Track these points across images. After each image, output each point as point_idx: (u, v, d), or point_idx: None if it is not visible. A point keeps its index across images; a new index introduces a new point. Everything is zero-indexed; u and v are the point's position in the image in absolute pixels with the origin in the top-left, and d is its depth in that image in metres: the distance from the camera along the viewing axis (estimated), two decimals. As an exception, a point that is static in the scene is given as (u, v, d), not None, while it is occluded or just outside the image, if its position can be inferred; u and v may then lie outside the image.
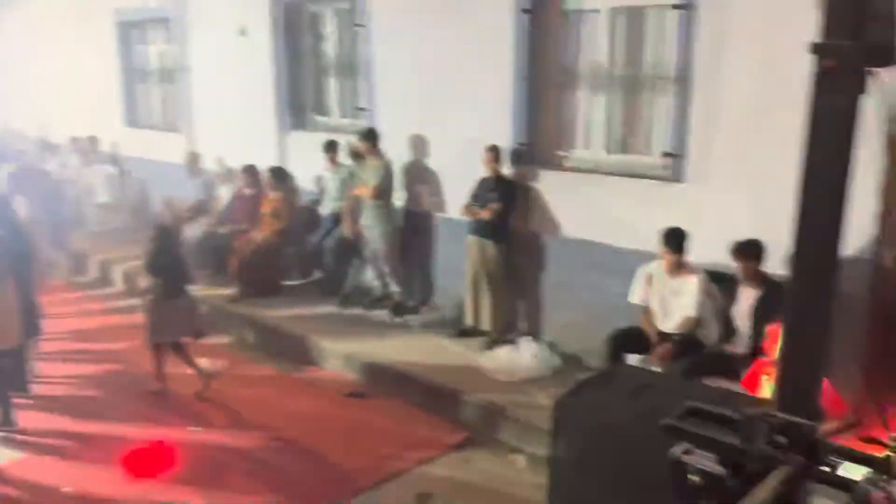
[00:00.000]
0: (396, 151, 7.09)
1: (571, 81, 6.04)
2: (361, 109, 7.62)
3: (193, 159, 9.31)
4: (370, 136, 6.98)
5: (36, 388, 5.86)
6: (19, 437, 5.27)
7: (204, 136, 9.60)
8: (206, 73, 9.37)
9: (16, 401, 5.46)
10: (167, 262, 5.94)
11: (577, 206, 5.98)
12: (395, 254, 7.15)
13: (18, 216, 6.04)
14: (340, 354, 6.41)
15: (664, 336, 5.01)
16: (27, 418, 5.45)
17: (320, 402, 5.88)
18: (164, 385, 6.02)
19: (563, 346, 6.12)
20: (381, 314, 7.16)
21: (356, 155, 7.28)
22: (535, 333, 6.27)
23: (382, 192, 6.96)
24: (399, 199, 7.24)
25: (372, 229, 7.06)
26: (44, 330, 6.18)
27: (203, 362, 6.42)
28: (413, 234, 7.27)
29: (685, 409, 2.01)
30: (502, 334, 6.33)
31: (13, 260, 5.32)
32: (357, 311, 7.27)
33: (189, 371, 6.03)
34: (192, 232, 8.64)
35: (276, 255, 7.86)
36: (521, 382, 5.59)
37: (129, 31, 10.67)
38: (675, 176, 5.34)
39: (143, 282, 6.52)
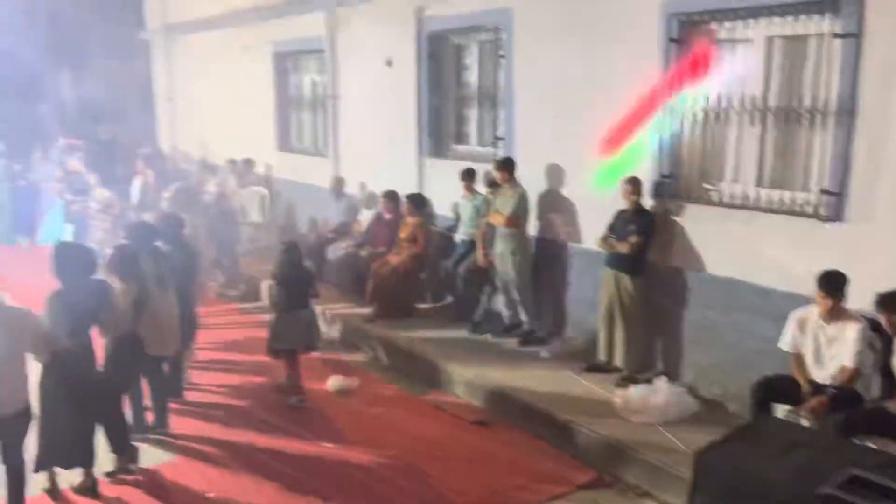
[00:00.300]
0: (533, 180, 7.08)
1: (721, 113, 5.79)
2: (500, 138, 7.68)
3: (338, 183, 9.74)
4: (507, 164, 7.02)
5: (188, 395, 6.30)
6: (172, 440, 5.63)
7: (349, 161, 10.03)
8: (353, 102, 9.81)
9: (170, 406, 5.88)
10: (293, 275, 6.28)
11: (723, 242, 5.70)
12: (527, 283, 7.11)
13: (185, 233, 6.53)
14: (467, 381, 6.42)
15: (817, 387, 4.64)
16: (179, 423, 5.84)
17: (445, 426, 5.91)
18: (303, 395, 6.30)
19: (703, 389, 5.83)
20: (511, 343, 7.12)
21: (492, 183, 7.35)
22: (671, 374, 6.01)
23: (516, 221, 6.95)
24: (533, 227, 7.21)
25: (504, 257, 7.06)
26: (197, 339, 6.64)
27: (337, 379, 6.68)
28: (546, 263, 7.20)
29: (846, 476, 1.84)
30: (636, 372, 6.11)
31: (178, 273, 5.76)
32: (487, 338, 7.27)
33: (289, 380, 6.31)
34: (334, 252, 9.05)
35: (412, 279, 8.03)
36: (655, 424, 5.35)
37: (285, 61, 11.37)
38: (835, 215, 4.98)
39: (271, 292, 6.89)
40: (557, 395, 5.92)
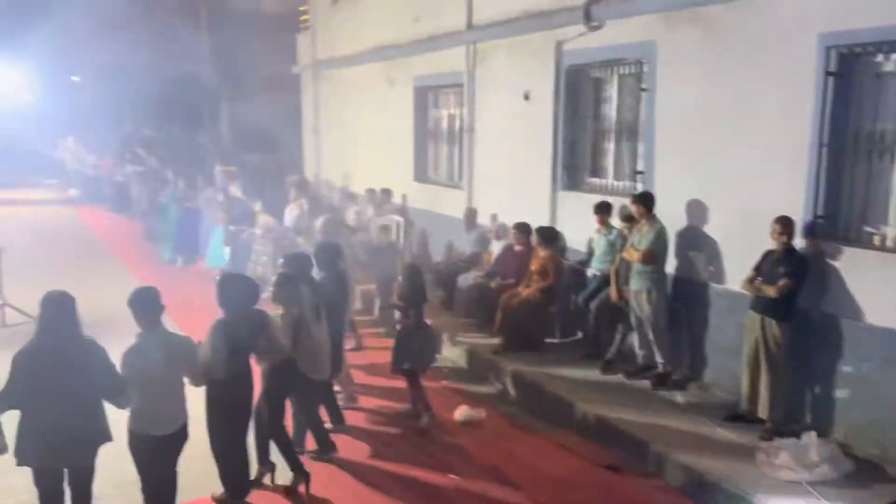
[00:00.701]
0: (672, 216, 6.84)
1: (885, 150, 5.36)
2: (639, 173, 7.49)
3: (471, 214, 9.85)
4: (645, 198, 6.83)
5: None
6: (325, 462, 5.74)
7: (482, 192, 10.13)
8: (489, 135, 9.93)
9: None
10: (416, 297, 6.42)
11: (885, 289, 5.24)
12: (663, 322, 6.84)
13: (339, 261, 6.67)
14: (598, 422, 6.22)
15: None
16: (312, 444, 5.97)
17: (575, 467, 5.75)
18: (431, 411, 6.38)
19: (857, 448, 5.35)
20: (644, 384, 6.85)
21: (628, 217, 7.16)
22: (821, 429, 5.55)
23: (653, 258, 6.72)
24: (671, 265, 6.95)
25: (640, 294, 6.84)
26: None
27: (464, 410, 6.68)
28: (685, 303, 6.91)
29: None
30: (781, 425, 5.70)
31: (330, 300, 5.98)
32: (619, 378, 7.04)
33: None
34: (464, 282, 9.12)
35: (541, 312, 7.94)
36: (803, 483, 4.94)
37: (425, 95, 11.71)
38: None
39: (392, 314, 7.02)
40: (694, 445, 5.63)
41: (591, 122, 8.37)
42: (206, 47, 21.91)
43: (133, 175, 17.56)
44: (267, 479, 5.37)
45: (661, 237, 6.72)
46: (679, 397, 6.54)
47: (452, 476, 5.59)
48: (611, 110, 8.14)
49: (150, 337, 4.36)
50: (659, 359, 6.88)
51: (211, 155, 19.55)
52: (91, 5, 25.54)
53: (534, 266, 8.02)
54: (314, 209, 11.34)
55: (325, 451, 5.82)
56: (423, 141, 11.89)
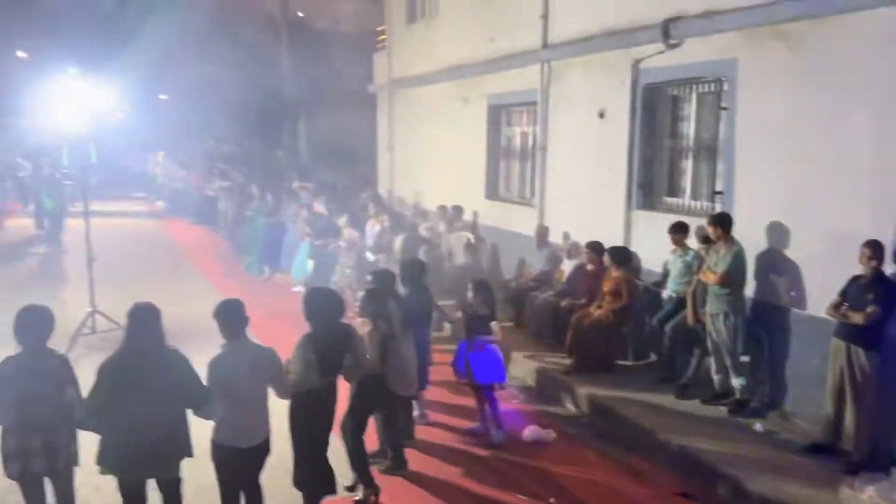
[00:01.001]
0: (753, 238, 6.65)
1: None
2: (718, 193, 7.32)
3: (542, 232, 9.80)
4: (723, 220, 6.65)
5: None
6: (402, 478, 5.77)
7: (554, 210, 10.08)
8: (562, 153, 9.89)
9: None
10: (485, 313, 6.41)
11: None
12: (740, 347, 6.61)
13: (423, 277, 6.76)
14: (671, 448, 6.06)
15: None
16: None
17: (648, 495, 5.61)
18: (502, 429, 6.39)
19: (954, 487, 5.01)
20: (720, 411, 6.64)
21: (706, 239, 6.99)
22: (913, 465, 5.25)
23: (731, 280, 6.53)
24: (751, 289, 6.74)
25: (716, 318, 6.65)
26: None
27: (533, 430, 6.62)
28: (764, 328, 6.69)
29: None
30: (868, 460, 5.41)
31: (415, 316, 6.07)
32: (694, 403, 6.85)
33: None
34: (535, 300, 9.07)
35: (613, 334, 7.81)
36: (893, 522, 4.69)
37: (499, 113, 11.76)
38: None
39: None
40: (773, 475, 5.42)
41: (667, 140, 8.24)
42: (287, 66, 22.60)
43: (221, 190, 18.24)
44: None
45: (738, 259, 6.53)
46: (758, 425, 6.30)
47: (521, 497, 5.53)
48: (689, 129, 7.99)
49: (234, 348, 4.38)
50: (736, 384, 6.66)
51: (288, 170, 20.11)
52: (179, 26, 26.80)
53: (606, 286, 7.91)
54: (394, 225, 11.52)
55: (398, 466, 5.84)
56: (495, 158, 11.93)
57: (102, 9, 33.52)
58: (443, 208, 12.02)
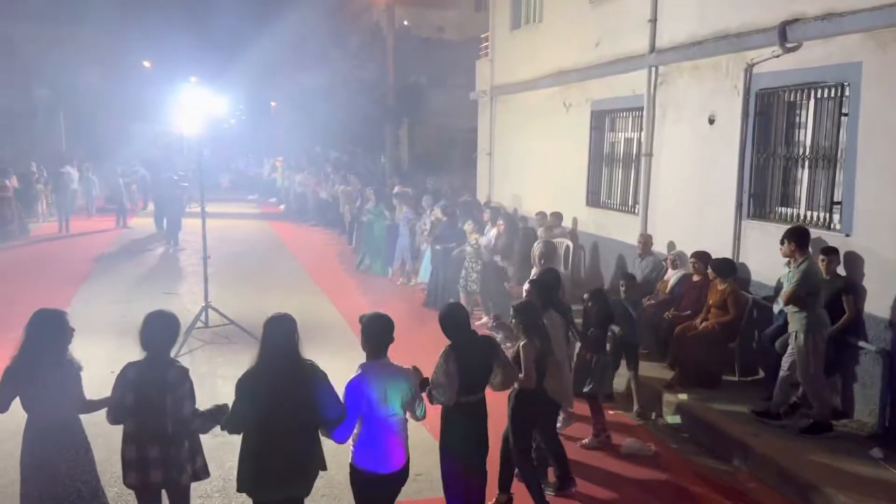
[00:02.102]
0: (875, 249, 6.30)
1: None
2: (837, 203, 6.94)
3: (646, 241, 9.56)
4: (797, 235, 6.39)
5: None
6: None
7: (658, 219, 9.83)
8: (668, 159, 9.63)
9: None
10: (603, 321, 6.38)
11: None
12: (814, 369, 6.24)
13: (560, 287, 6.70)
14: (779, 466, 5.78)
15: None
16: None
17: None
18: (607, 433, 6.38)
19: None
20: (833, 434, 6.28)
21: (827, 251, 6.66)
22: None
23: (797, 300, 6.22)
24: (872, 305, 6.36)
25: (793, 336, 6.36)
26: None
27: (631, 442, 6.48)
28: (890, 347, 6.27)
29: None
30: None
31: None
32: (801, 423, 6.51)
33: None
34: (636, 311, 8.85)
35: (719, 348, 7.52)
36: None
37: (603, 118, 11.59)
38: None
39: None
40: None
41: (781, 148, 7.87)
42: (391, 74, 23.11)
43: (343, 193, 18.83)
44: None
45: (806, 276, 6.19)
46: (876, 450, 5.91)
47: (618, 509, 5.44)
48: (805, 136, 7.60)
49: (374, 367, 4.17)
50: (817, 406, 6.30)
51: (390, 176, 20.54)
52: (290, 36, 27.95)
53: (711, 299, 7.64)
54: (510, 230, 11.53)
55: (566, 485, 5.59)
56: (597, 165, 11.75)
57: (221, 21, 35.36)
58: (542, 214, 11.94)
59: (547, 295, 5.87)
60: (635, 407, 7.25)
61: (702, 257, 8.09)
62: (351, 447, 4.17)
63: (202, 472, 4.27)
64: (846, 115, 6.82)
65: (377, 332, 4.22)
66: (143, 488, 4.13)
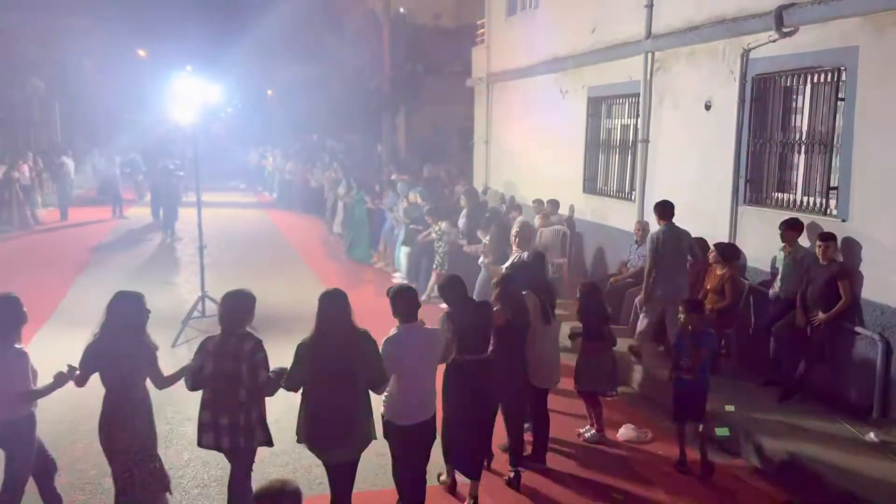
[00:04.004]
0: (872, 234, 6.29)
1: None
2: (833, 188, 6.93)
3: (644, 228, 9.55)
4: (790, 224, 6.74)
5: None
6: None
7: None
8: (665, 145, 9.60)
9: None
10: (591, 319, 6.31)
11: None
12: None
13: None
14: (775, 454, 5.81)
15: None
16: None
17: (751, 501, 5.40)
18: (602, 432, 6.34)
19: None
20: (828, 417, 6.31)
21: (824, 236, 6.67)
22: None
23: None
24: (868, 290, 6.38)
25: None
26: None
27: (628, 428, 6.50)
28: (883, 332, 6.28)
29: None
30: None
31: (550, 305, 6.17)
32: (800, 408, 6.54)
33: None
34: (633, 297, 8.86)
35: (717, 334, 7.52)
36: None
37: (599, 105, 11.55)
38: None
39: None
40: (887, 487, 5.10)
41: (778, 133, 7.85)
42: (387, 61, 22.99)
43: (327, 180, 18.96)
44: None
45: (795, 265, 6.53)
46: (872, 435, 5.94)
47: (617, 496, 5.46)
48: (801, 121, 7.58)
49: (407, 329, 4.64)
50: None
51: (387, 164, 20.50)
52: (285, 24, 27.78)
53: (709, 284, 7.64)
54: (473, 213, 11.68)
55: (541, 460, 5.89)
56: (594, 152, 11.72)
57: (216, 10, 35.10)
58: (538, 202, 11.92)
59: (523, 274, 6.09)
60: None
61: (698, 244, 8.08)
62: (383, 402, 4.62)
63: (267, 440, 4.56)
64: (842, 99, 6.80)
65: (405, 301, 4.67)
66: (215, 450, 4.51)
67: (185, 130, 11.10)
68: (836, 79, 6.96)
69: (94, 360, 4.43)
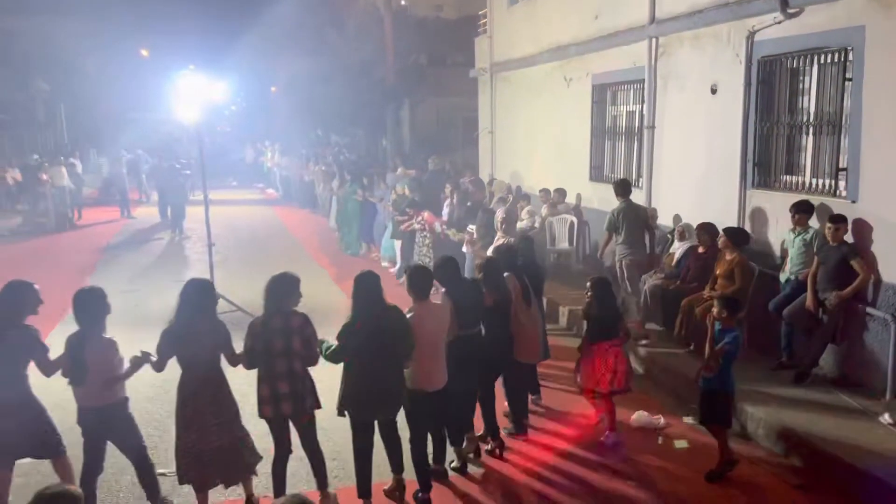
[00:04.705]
0: (882, 216, 6.25)
1: None
2: (842, 169, 6.89)
3: (651, 214, 9.51)
4: (802, 207, 6.80)
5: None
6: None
7: (662, 192, 9.78)
8: (671, 131, 9.56)
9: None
10: (599, 313, 6.13)
11: None
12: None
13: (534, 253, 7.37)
14: (790, 437, 5.80)
15: None
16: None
17: (763, 485, 5.41)
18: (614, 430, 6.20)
19: None
20: (842, 399, 6.30)
21: (835, 219, 6.65)
22: None
23: None
24: (885, 272, 6.34)
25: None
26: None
27: (642, 415, 6.50)
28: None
29: None
30: None
31: (537, 286, 6.54)
32: (814, 391, 6.52)
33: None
34: (643, 284, 8.84)
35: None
36: None
37: (604, 92, 11.50)
38: None
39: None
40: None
41: (785, 115, 7.80)
42: (390, 55, 22.96)
43: (317, 174, 19.07)
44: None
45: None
46: (886, 416, 5.92)
47: (629, 483, 5.46)
48: (809, 103, 7.53)
49: (421, 306, 5.10)
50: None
51: (392, 157, 20.50)
52: (287, 19, 27.74)
53: (719, 269, 7.61)
54: (461, 203, 11.94)
55: (519, 430, 6.28)
56: (599, 139, 11.68)
57: (217, 7, 35.03)
58: (545, 191, 11.89)
59: (505, 258, 6.45)
60: None
61: (707, 229, 8.06)
62: (407, 374, 5.00)
63: (317, 404, 4.99)
64: (850, 80, 6.74)
65: (421, 280, 5.17)
66: (275, 419, 4.88)
67: (190, 129, 11.15)
68: (843, 59, 6.90)
69: (172, 344, 4.74)
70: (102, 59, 33.94)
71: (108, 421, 4.75)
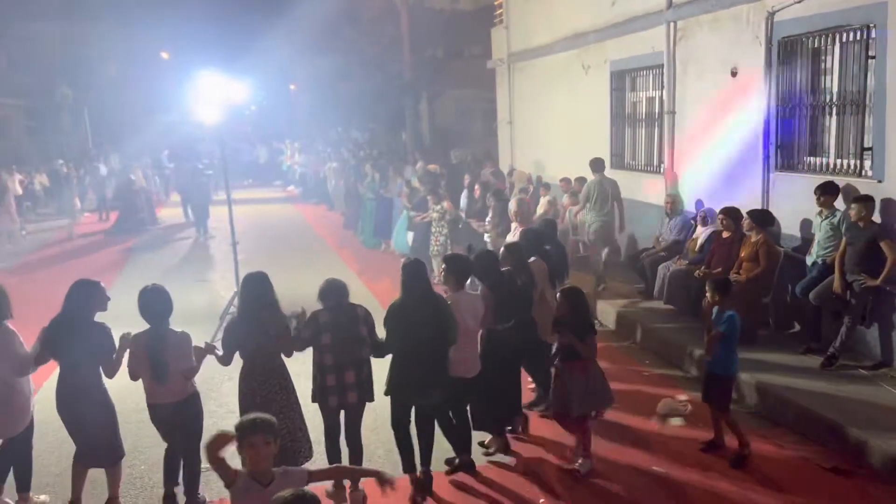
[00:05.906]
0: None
1: None
2: (867, 149, 6.78)
3: (674, 200, 9.43)
4: (827, 188, 6.77)
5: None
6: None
7: (684, 177, 9.69)
8: (691, 116, 9.47)
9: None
10: (580, 326, 5.34)
11: None
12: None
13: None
14: (820, 421, 5.73)
15: None
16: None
17: (795, 469, 5.37)
18: (590, 459, 5.60)
19: None
20: (874, 382, 6.22)
21: (860, 198, 6.54)
22: None
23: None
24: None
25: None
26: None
27: (668, 402, 6.47)
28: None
29: None
30: None
31: (560, 271, 6.81)
32: (843, 374, 6.44)
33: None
34: (666, 271, 8.79)
35: (753, 303, 7.43)
36: None
37: (622, 78, 11.40)
38: None
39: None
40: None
41: (808, 96, 7.69)
42: (407, 48, 22.95)
43: (330, 170, 19.22)
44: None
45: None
46: (919, 398, 5.85)
47: (657, 469, 5.45)
48: (831, 82, 7.41)
49: (459, 294, 5.32)
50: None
51: (412, 152, 20.52)
52: (304, 17, 27.82)
53: (744, 253, 7.55)
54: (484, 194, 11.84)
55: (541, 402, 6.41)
56: (619, 126, 11.59)
57: (234, 7, 35.21)
58: (566, 180, 11.84)
59: (532, 242, 6.61)
60: None
61: (731, 213, 7.97)
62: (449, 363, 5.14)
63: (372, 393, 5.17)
64: (873, 57, 6.63)
65: (461, 269, 5.39)
66: (339, 409, 5.04)
67: (211, 130, 11.26)
68: (865, 36, 6.79)
69: (237, 337, 4.87)
70: (124, 62, 34.34)
71: (182, 413, 4.83)
